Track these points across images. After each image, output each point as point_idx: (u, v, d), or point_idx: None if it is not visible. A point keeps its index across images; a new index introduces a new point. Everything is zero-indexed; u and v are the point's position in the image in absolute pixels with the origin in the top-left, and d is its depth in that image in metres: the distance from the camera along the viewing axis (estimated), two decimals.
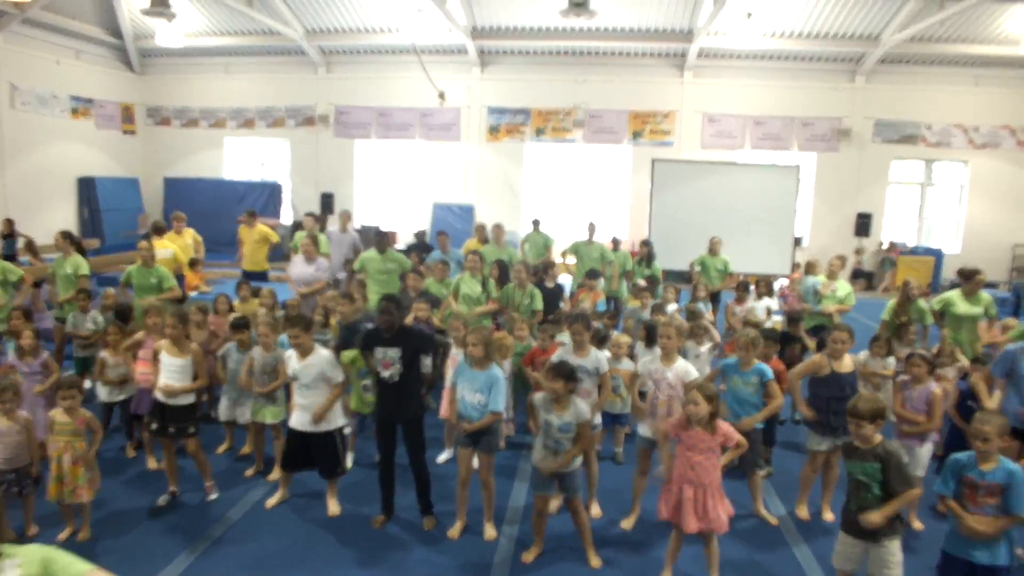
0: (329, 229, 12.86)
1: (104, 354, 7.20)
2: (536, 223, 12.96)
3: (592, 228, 11.68)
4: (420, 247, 12.11)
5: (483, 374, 5.53)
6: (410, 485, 6.12)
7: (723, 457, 4.86)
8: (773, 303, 9.81)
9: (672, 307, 8.71)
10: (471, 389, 5.56)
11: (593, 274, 9.68)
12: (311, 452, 5.99)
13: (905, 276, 14.21)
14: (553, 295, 9.23)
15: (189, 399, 6.25)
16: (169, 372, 6.18)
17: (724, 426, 4.84)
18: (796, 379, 6.10)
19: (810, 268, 9.99)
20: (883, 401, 4.40)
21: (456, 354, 6.98)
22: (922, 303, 8.12)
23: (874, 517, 4.28)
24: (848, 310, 9.28)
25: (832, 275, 9.38)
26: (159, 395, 6.21)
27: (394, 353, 5.64)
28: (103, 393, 7.23)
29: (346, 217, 12.48)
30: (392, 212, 21.49)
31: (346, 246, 12.05)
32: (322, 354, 5.94)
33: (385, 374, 5.69)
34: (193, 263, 11.79)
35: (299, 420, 5.99)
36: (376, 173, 21.74)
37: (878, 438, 4.35)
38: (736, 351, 6.00)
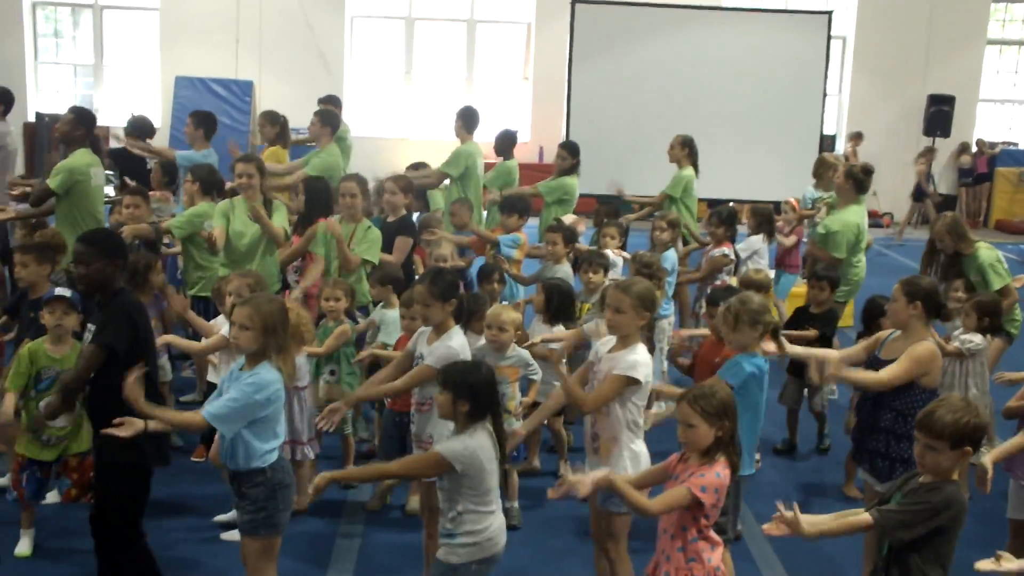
0: None
1: None
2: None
3: (468, 118, 9.96)
4: (123, 157, 9.93)
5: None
6: None
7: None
8: (759, 245, 8.26)
9: (616, 261, 7.49)
10: None
11: (514, 205, 8.08)
12: None
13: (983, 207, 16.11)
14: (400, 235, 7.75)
15: None
16: None
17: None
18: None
19: (820, 169, 9.03)
20: (985, 414, 3.99)
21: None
22: (983, 252, 6.91)
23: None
24: (823, 257, 8.18)
25: (844, 195, 8.06)
26: None
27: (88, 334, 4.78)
28: None
29: None
30: (98, 92, 18.39)
31: None
32: None
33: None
34: None
35: None
36: (63, 24, 18.69)
37: (955, 476, 3.65)
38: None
